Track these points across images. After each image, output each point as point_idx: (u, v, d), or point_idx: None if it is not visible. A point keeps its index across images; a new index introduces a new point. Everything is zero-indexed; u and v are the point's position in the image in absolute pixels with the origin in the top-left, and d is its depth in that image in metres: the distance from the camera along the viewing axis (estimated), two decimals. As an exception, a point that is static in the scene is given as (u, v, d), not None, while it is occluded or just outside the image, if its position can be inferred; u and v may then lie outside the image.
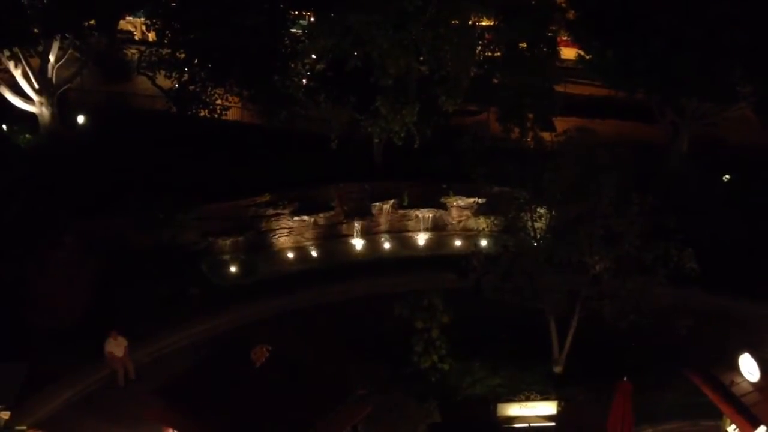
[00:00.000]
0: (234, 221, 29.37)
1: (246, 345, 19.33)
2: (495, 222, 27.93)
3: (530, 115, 32.31)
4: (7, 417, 18.61)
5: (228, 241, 28.86)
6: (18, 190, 27.79)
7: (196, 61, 34.10)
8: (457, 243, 31.51)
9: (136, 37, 38.82)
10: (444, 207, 32.20)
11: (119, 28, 35.45)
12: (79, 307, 24.59)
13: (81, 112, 34.74)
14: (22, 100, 32.79)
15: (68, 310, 24.32)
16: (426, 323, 22.46)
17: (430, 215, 32.10)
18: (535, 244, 23.23)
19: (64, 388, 21.81)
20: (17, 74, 32.37)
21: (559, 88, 34.68)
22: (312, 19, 36.01)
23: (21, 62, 32.14)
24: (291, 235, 30.45)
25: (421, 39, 29.86)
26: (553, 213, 23.34)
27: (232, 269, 28.25)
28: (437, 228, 32.31)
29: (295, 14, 36.64)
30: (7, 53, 31.45)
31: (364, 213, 31.52)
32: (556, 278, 21.97)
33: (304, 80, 33.57)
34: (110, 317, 23.68)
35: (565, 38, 37.78)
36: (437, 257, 30.34)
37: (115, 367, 22.51)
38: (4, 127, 33.01)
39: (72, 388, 21.95)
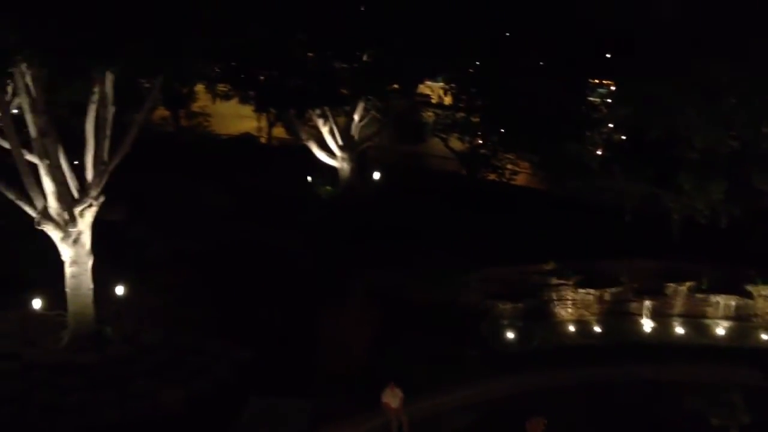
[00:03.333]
0: (516, 286, 29.59)
1: (521, 415, 19.29)
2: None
3: None
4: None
5: (508, 306, 29.11)
6: (316, 237, 30.77)
7: (489, 125, 35.55)
8: (764, 337, 28.80)
9: (433, 101, 41.35)
10: (749, 296, 29.70)
11: (418, 92, 38.06)
12: (362, 353, 26.10)
13: (377, 169, 37.56)
14: (326, 155, 36.29)
15: (352, 356, 25.92)
16: (723, 421, 20.78)
17: (733, 303, 29.69)
18: None
19: (342, 430, 23.13)
20: (324, 131, 35.96)
21: None
22: (612, 88, 35.83)
23: (329, 120, 35.70)
24: (574, 308, 29.91)
25: (734, 112, 28.44)
26: None
27: (511, 335, 28.36)
28: (740, 318, 29.77)
29: (594, 82, 36.84)
30: (317, 112, 35.16)
31: (655, 293, 30.06)
32: None
33: (599, 150, 33.39)
34: (388, 367, 24.87)
35: None
36: (737, 350, 27.85)
37: (390, 417, 23.44)
38: (309, 178, 36.75)
39: (349, 430, 23.20)
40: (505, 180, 36.35)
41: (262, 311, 26.79)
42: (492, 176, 36.84)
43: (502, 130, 35.23)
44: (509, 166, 36.51)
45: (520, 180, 37.43)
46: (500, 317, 29.07)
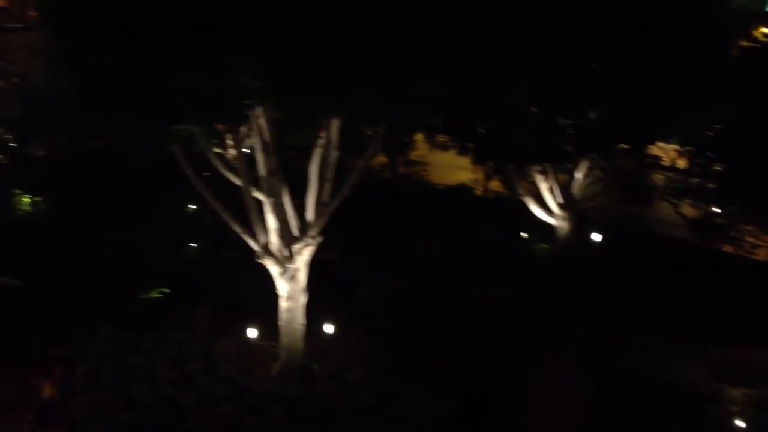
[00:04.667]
0: (749, 371, 27.36)
1: None
2: None
3: None
4: None
5: (740, 392, 26.94)
6: (529, 293, 30.47)
7: (728, 193, 33.44)
8: None
9: (665, 163, 39.66)
10: None
11: (648, 152, 36.70)
12: (572, 422, 25.08)
13: (597, 229, 36.43)
14: (543, 212, 35.84)
15: (561, 424, 24.98)
16: None
17: None
18: None
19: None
20: (543, 187, 35.58)
21: None
22: None
23: (549, 177, 35.31)
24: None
25: None
26: None
27: (741, 424, 26.12)
28: None
29: None
30: (537, 167, 34.89)
31: None
32: None
33: None
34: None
35: None
36: None
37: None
38: (524, 234, 36.51)
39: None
40: (744, 254, 33.92)
41: (469, 362, 26.98)
42: (728, 248, 34.52)
43: (744, 199, 32.97)
44: (749, 239, 34.04)
45: (762, 254, 34.72)
46: (729, 403, 26.92)
